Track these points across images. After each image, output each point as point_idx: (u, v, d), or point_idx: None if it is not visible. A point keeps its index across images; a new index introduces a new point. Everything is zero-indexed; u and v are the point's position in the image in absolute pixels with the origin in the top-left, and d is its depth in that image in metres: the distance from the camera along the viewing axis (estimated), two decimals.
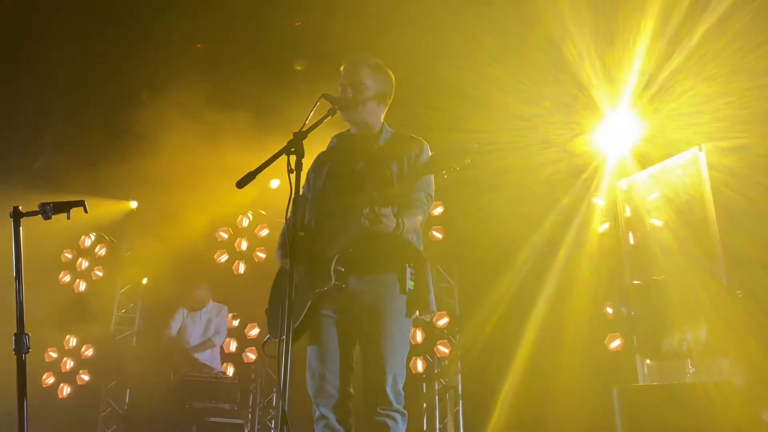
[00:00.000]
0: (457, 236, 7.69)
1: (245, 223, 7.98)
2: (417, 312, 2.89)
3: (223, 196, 8.05)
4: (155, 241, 8.34)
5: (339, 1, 7.19)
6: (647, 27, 6.26)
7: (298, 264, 2.54)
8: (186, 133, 7.43)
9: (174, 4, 7.06)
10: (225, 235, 8.01)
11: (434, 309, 2.86)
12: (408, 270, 2.84)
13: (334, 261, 2.76)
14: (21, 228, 2.62)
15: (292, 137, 2.52)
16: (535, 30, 6.66)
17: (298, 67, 8.30)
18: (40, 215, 2.66)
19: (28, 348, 2.53)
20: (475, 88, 6.85)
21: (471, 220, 7.42)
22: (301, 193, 2.63)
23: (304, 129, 2.59)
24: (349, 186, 2.92)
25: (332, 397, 2.79)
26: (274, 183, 8.07)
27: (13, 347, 2.51)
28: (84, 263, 8.17)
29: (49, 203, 2.66)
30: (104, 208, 8.22)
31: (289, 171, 2.51)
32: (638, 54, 6.47)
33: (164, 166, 7.54)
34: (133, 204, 8.53)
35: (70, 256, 8.20)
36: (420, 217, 2.86)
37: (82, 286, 8.10)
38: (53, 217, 2.70)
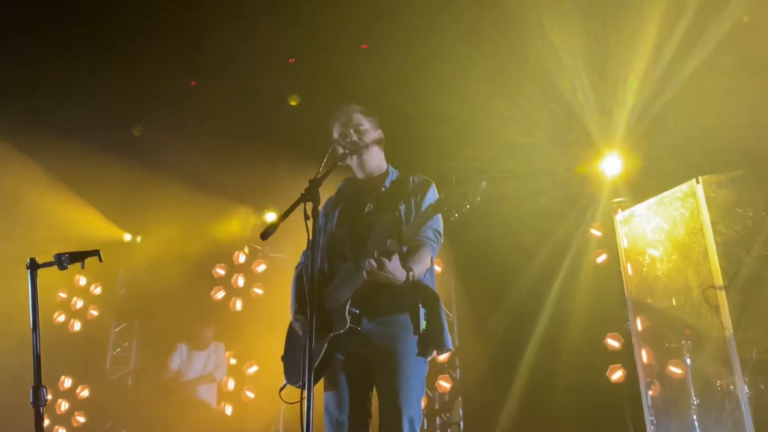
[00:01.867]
0: (453, 267, 7.71)
1: (242, 258, 7.96)
2: (433, 352, 2.90)
3: (218, 230, 8.07)
4: (150, 277, 8.31)
5: (332, 37, 7.30)
6: (639, 61, 6.38)
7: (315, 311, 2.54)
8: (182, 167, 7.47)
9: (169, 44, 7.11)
10: (222, 272, 7.97)
11: (450, 346, 2.88)
12: (421, 310, 2.86)
13: (348, 304, 2.77)
14: (37, 279, 2.60)
15: (308, 185, 2.55)
16: (529, 62, 6.78)
17: (293, 102, 8.37)
18: (56, 266, 2.65)
19: (46, 401, 2.51)
20: (469, 118, 6.95)
21: (466, 250, 7.45)
22: (312, 237, 2.65)
23: (318, 176, 2.62)
24: (359, 230, 2.96)
25: None
26: (270, 216, 8.08)
27: (31, 400, 2.48)
28: (79, 302, 8.10)
29: (64, 254, 2.66)
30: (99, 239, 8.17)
31: (306, 218, 2.54)
32: (630, 87, 6.59)
33: (160, 198, 7.55)
34: (127, 237, 8.48)
35: (64, 295, 8.13)
36: (430, 256, 2.90)
37: (77, 326, 8.02)
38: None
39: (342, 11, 6.76)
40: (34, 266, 2.60)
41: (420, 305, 2.84)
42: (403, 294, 2.84)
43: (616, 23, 6.30)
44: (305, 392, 2.27)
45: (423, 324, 2.81)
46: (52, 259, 2.66)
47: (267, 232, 2.38)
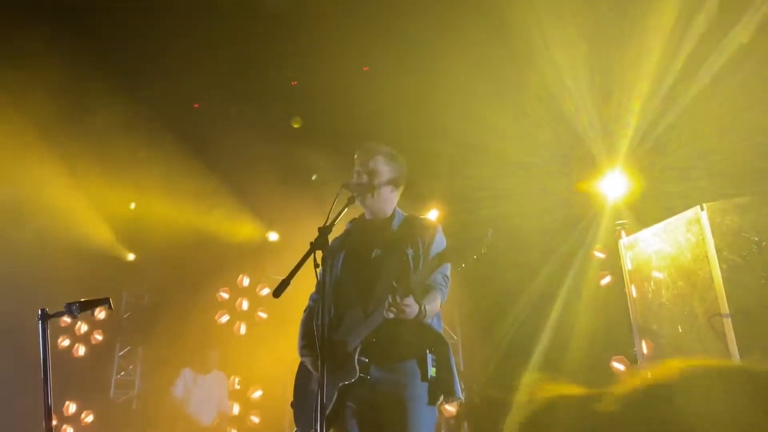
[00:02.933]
0: (455, 288, 7.69)
1: (246, 282, 7.96)
2: (441, 398, 2.89)
3: (222, 253, 8.06)
4: (154, 300, 8.32)
5: (334, 59, 7.33)
6: (642, 85, 6.40)
7: (324, 361, 2.54)
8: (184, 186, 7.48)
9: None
10: (226, 296, 7.97)
11: (460, 395, 2.86)
12: (429, 356, 2.85)
13: (357, 352, 2.77)
14: (48, 330, 2.61)
15: (318, 233, 2.56)
16: (533, 82, 6.81)
17: (295, 125, 8.40)
18: (66, 315, 2.66)
19: None
20: (473, 136, 6.97)
21: (467, 271, 7.42)
22: (318, 279, 2.67)
23: (327, 223, 2.63)
24: (366, 274, 2.96)
25: None
26: (273, 236, 8.08)
27: None
28: (83, 327, 8.09)
29: (74, 303, 2.67)
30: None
31: (315, 266, 2.56)
32: (634, 110, 6.60)
33: (164, 215, 7.55)
34: (131, 257, 8.47)
35: (68, 320, 8.12)
36: (440, 300, 2.90)
37: (81, 350, 8.01)
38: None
39: (345, 32, 6.81)
40: (45, 317, 2.60)
41: (427, 351, 2.83)
42: (412, 340, 2.84)
43: (621, 45, 6.32)
44: None
45: (431, 371, 2.81)
46: (62, 309, 2.66)
47: (279, 290, 2.39)
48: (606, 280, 6.75)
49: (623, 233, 6.31)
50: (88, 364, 7.95)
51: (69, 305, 2.63)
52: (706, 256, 5.05)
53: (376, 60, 7.50)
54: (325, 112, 7.77)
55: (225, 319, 7.90)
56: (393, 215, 3.13)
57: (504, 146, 7.36)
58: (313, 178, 8.00)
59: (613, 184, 7.07)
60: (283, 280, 2.41)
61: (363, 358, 2.77)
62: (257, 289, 7.94)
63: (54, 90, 6.26)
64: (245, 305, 7.90)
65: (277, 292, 2.40)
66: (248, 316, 7.90)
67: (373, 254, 3.00)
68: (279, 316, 7.73)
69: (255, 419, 7.40)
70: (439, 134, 7.12)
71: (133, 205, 8.11)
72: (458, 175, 7.46)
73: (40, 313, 2.58)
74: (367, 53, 7.35)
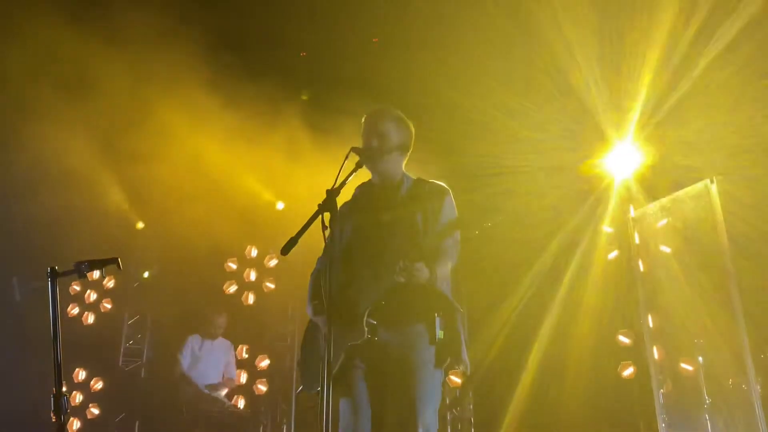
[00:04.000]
0: (462, 261, 7.68)
1: (254, 253, 7.98)
2: (448, 361, 2.90)
3: (228, 221, 8.05)
4: (162, 271, 8.35)
5: (343, 30, 7.28)
6: (653, 55, 6.32)
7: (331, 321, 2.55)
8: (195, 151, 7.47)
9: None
10: (234, 266, 8.00)
11: (466, 360, 2.88)
12: (437, 319, 2.86)
13: (366, 314, 2.78)
14: (58, 288, 2.62)
15: (325, 195, 2.56)
16: (541, 56, 6.74)
17: (304, 97, 8.37)
18: (75, 274, 2.67)
19: (67, 409, 2.54)
20: (480, 112, 6.92)
21: (475, 245, 7.42)
22: (326, 243, 2.68)
23: (336, 186, 2.63)
24: (376, 239, 2.97)
25: None
26: (280, 205, 8.08)
27: (52, 409, 2.51)
28: (92, 295, 8.15)
29: (84, 262, 2.68)
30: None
31: (324, 228, 2.56)
32: (644, 82, 6.54)
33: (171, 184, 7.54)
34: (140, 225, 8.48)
35: (78, 288, 8.19)
36: (450, 265, 2.91)
37: (91, 319, 8.08)
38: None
39: (354, 5, 6.75)
40: (54, 275, 2.62)
41: (436, 315, 2.84)
42: (421, 304, 2.85)
43: (631, 17, 6.25)
44: (323, 401, 2.29)
45: (439, 334, 2.82)
46: (72, 267, 2.68)
47: (287, 248, 2.40)
48: (613, 255, 6.74)
49: (632, 208, 6.29)
50: (97, 333, 8.02)
51: (78, 264, 2.64)
52: (715, 229, 5.05)
53: (385, 32, 7.44)
54: (333, 84, 7.74)
55: (233, 289, 7.94)
56: (402, 179, 3.13)
57: (511, 122, 7.33)
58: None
59: (623, 158, 7.03)
60: (291, 238, 2.42)
61: (372, 320, 2.78)
62: (265, 260, 7.95)
63: None
64: (253, 276, 7.93)
65: (285, 250, 2.41)
66: (256, 287, 7.93)
67: (383, 218, 3.00)
68: (287, 286, 7.77)
69: (262, 388, 7.46)
70: (447, 110, 7.07)
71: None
72: (465, 152, 7.43)
73: (49, 271, 2.59)
74: (376, 25, 7.29)
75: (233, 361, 7.00)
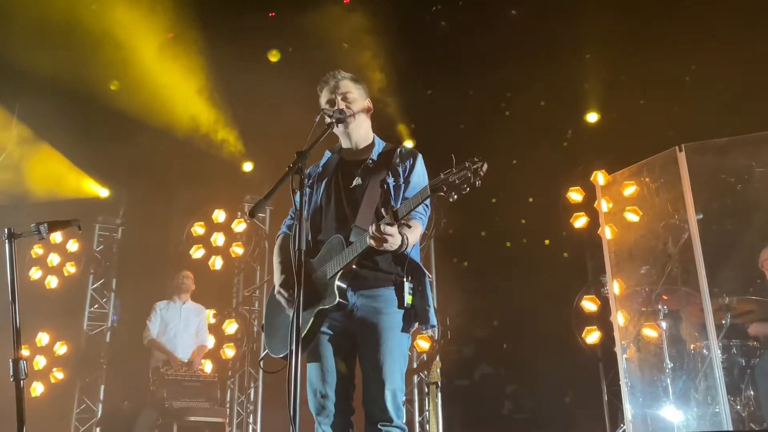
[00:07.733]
0: (430, 226, 7.70)
1: (222, 217, 7.87)
2: (415, 325, 2.90)
3: (194, 184, 7.96)
4: (126, 235, 8.24)
5: None
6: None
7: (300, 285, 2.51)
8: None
9: None
10: (201, 230, 7.89)
11: (434, 323, 2.87)
12: (406, 284, 2.84)
13: (336, 278, 2.75)
14: (15, 249, 2.54)
15: (295, 157, 2.50)
16: None
17: (273, 58, 8.24)
18: (34, 236, 2.59)
19: (26, 374, 2.48)
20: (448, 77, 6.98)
21: (444, 211, 7.43)
22: (296, 207, 2.62)
23: (305, 149, 2.57)
24: (346, 203, 2.93)
25: (333, 415, 2.79)
26: (248, 166, 7.98)
27: (11, 374, 2.44)
28: (55, 259, 7.99)
29: (43, 223, 2.59)
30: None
31: (293, 191, 2.51)
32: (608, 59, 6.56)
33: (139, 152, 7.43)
34: (103, 192, 8.33)
35: (40, 251, 8.02)
36: (421, 230, 2.88)
37: (54, 282, 7.93)
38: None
39: None
40: (11, 236, 2.53)
41: (405, 279, 2.81)
42: (389, 268, 2.84)
43: None
44: (292, 364, 2.26)
45: (408, 298, 2.80)
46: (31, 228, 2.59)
47: (255, 209, 2.34)
48: (581, 222, 6.77)
49: (599, 175, 6.29)
50: (61, 297, 7.89)
51: (37, 225, 2.55)
52: (682, 197, 5.09)
53: None
54: (303, 44, 7.65)
55: (200, 254, 7.83)
56: (372, 143, 3.08)
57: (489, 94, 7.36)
58: None
59: (591, 125, 7.07)
60: (260, 200, 2.36)
61: (342, 284, 2.75)
62: (233, 225, 7.84)
63: None
64: (221, 240, 7.83)
65: (253, 212, 2.36)
66: (223, 251, 7.83)
67: (354, 183, 2.95)
68: (254, 251, 7.71)
69: (229, 352, 7.43)
70: None
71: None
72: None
73: (6, 232, 2.50)
74: None
75: (205, 324, 6.90)
